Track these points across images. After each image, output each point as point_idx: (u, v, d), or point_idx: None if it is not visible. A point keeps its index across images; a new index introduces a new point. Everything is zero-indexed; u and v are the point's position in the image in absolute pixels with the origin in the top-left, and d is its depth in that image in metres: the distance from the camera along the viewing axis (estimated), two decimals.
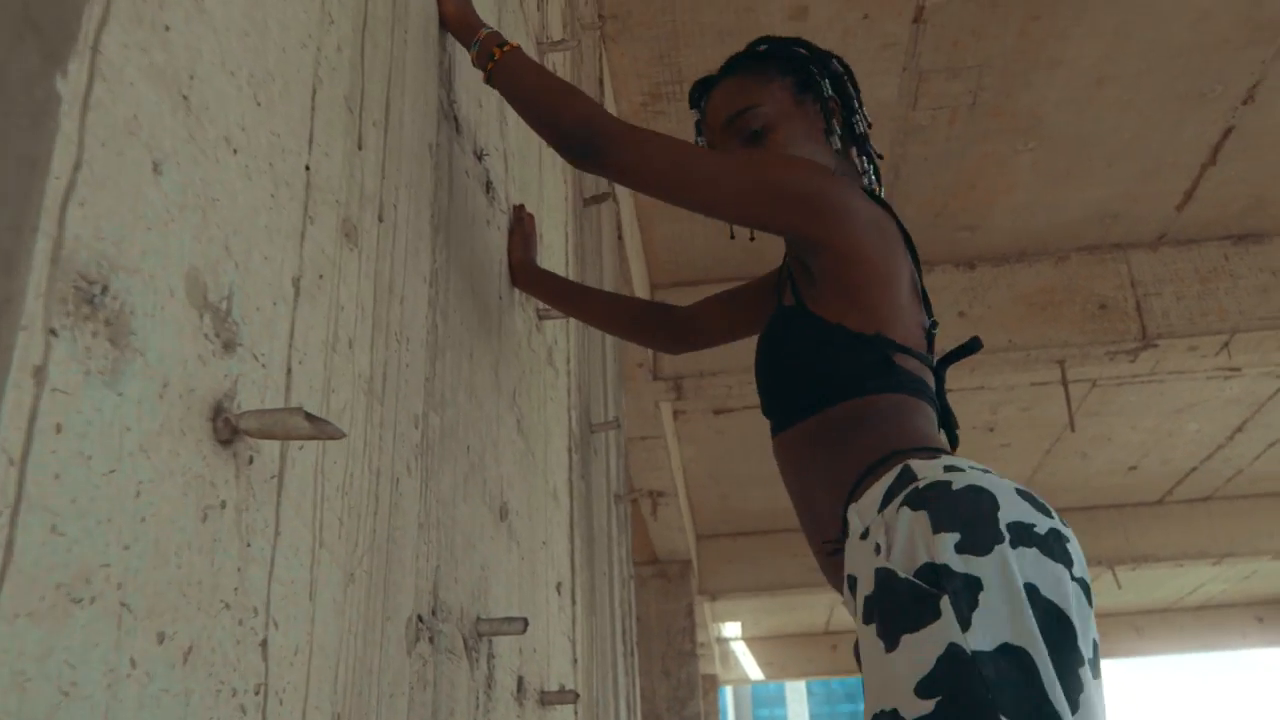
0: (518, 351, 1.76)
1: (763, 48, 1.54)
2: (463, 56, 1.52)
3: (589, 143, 1.28)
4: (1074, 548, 1.11)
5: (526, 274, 1.75)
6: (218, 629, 0.66)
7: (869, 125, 1.53)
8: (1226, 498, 8.44)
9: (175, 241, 0.66)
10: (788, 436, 1.36)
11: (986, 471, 1.14)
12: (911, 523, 1.08)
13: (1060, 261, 5.06)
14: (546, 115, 1.32)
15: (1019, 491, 1.12)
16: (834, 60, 1.54)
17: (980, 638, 1.00)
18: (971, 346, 1.41)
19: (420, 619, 1.11)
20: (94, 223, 0.57)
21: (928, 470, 1.14)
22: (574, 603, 2.14)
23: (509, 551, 1.56)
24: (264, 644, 0.73)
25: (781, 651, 13.19)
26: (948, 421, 1.39)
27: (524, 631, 1.36)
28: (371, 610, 0.95)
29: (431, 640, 1.14)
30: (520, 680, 1.57)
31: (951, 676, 0.99)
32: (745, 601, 9.64)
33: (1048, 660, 0.98)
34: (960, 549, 1.04)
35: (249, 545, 0.72)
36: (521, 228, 1.79)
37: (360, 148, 1.03)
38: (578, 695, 1.77)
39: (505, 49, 1.37)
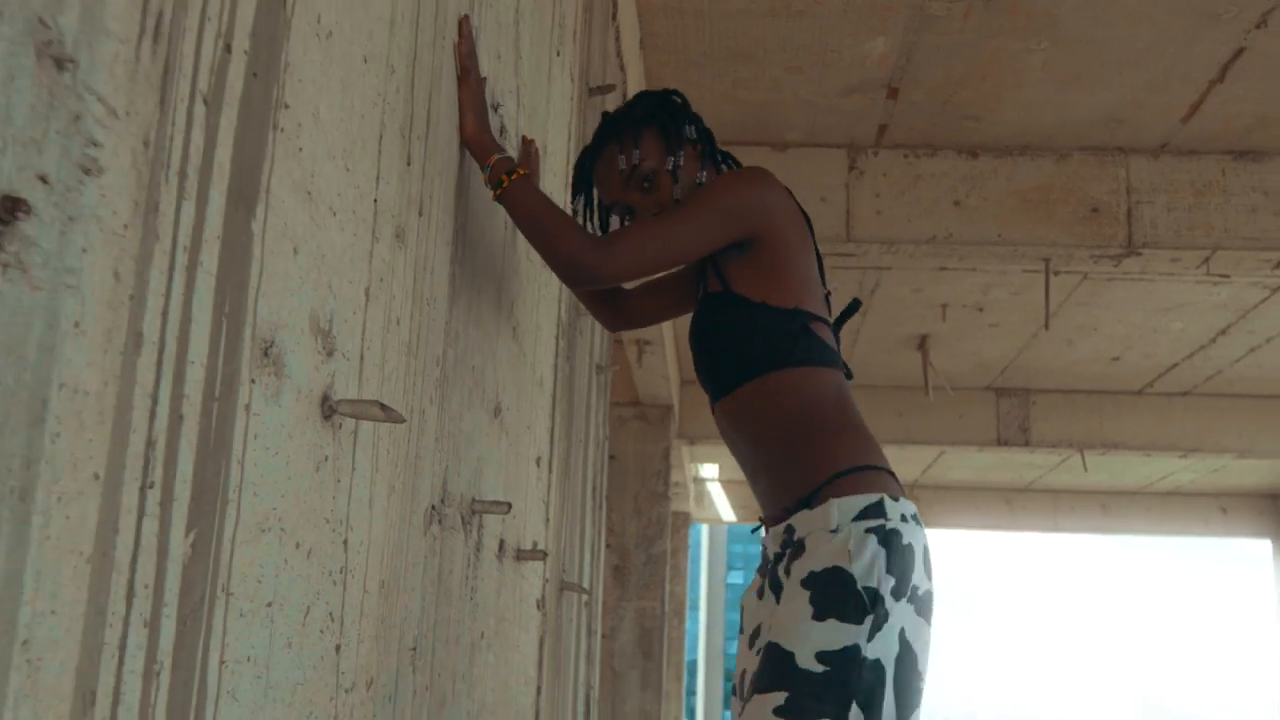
0: (517, 269, 2.17)
1: (636, 110, 1.92)
2: (495, 41, 1.87)
3: (580, 274, 1.66)
4: (931, 598, 1.61)
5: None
6: (323, 536, 1.12)
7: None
8: (1203, 395, 8.98)
9: (303, 297, 1.08)
10: (726, 404, 1.81)
11: (918, 524, 1.63)
12: (875, 554, 1.57)
13: (1062, 159, 5.38)
14: (544, 246, 1.68)
15: (924, 556, 1.62)
16: (677, 95, 1.94)
17: (872, 650, 1.52)
18: (852, 308, 1.85)
19: (433, 507, 1.57)
20: (268, 305, 0.99)
21: (894, 514, 1.62)
22: (550, 471, 2.63)
23: (499, 442, 2.02)
24: (345, 542, 1.18)
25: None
26: (846, 369, 1.85)
27: (508, 513, 1.83)
28: (404, 508, 1.41)
29: (440, 522, 1.61)
30: (501, 542, 2.06)
31: (844, 661, 1.52)
32: (724, 447, 10.29)
33: (892, 683, 1.50)
34: (892, 592, 1.54)
35: (339, 481, 1.17)
36: (529, 163, 2.17)
37: (409, 164, 1.43)
38: (546, 553, 2.27)
39: (514, 176, 1.69)
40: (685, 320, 8.30)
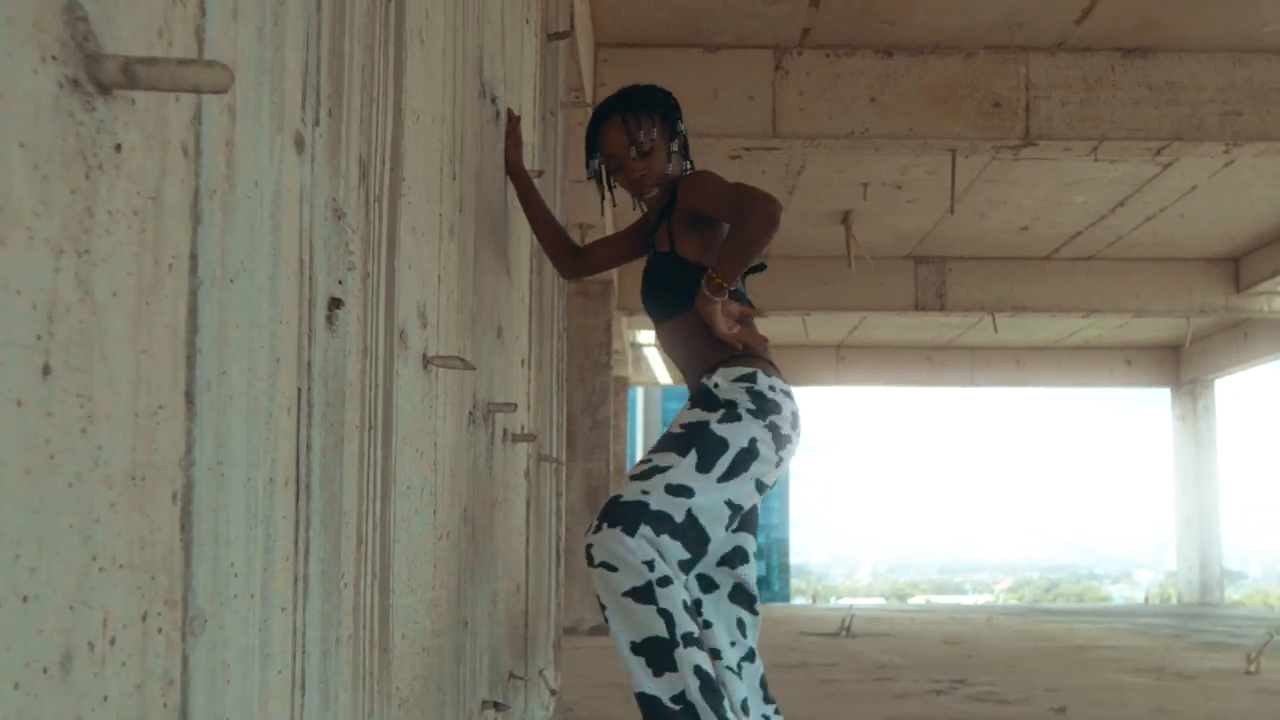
0: (508, 215, 2.82)
1: (646, 94, 2.59)
2: (491, 46, 2.48)
3: (774, 225, 2.36)
4: (788, 443, 2.35)
5: (514, 169, 2.80)
6: (426, 443, 1.81)
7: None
8: (1104, 259, 9.88)
9: (413, 296, 1.74)
10: (664, 326, 2.55)
11: (786, 394, 2.36)
12: (739, 391, 2.34)
13: (968, 57, 6.03)
14: (762, 240, 2.35)
15: (790, 416, 2.34)
16: (671, 95, 2.63)
17: (719, 429, 2.34)
18: (758, 268, 2.56)
19: (470, 413, 2.26)
20: (401, 308, 1.66)
21: (763, 382, 2.37)
22: (529, 368, 3.32)
23: (502, 355, 2.71)
24: (435, 445, 1.88)
25: None
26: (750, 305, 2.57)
27: (514, 411, 2.54)
28: (458, 417, 2.11)
29: (473, 422, 2.31)
30: (505, 430, 2.77)
31: (696, 427, 2.37)
32: None
33: (730, 459, 2.28)
34: (748, 411, 2.29)
35: (431, 408, 1.85)
36: (514, 132, 2.80)
37: (454, 178, 2.07)
38: (534, 436, 2.99)
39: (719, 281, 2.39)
40: (624, 208, 8.96)
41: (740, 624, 2.46)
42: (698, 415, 2.40)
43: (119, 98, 0.77)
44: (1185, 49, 5.92)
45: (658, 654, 2.26)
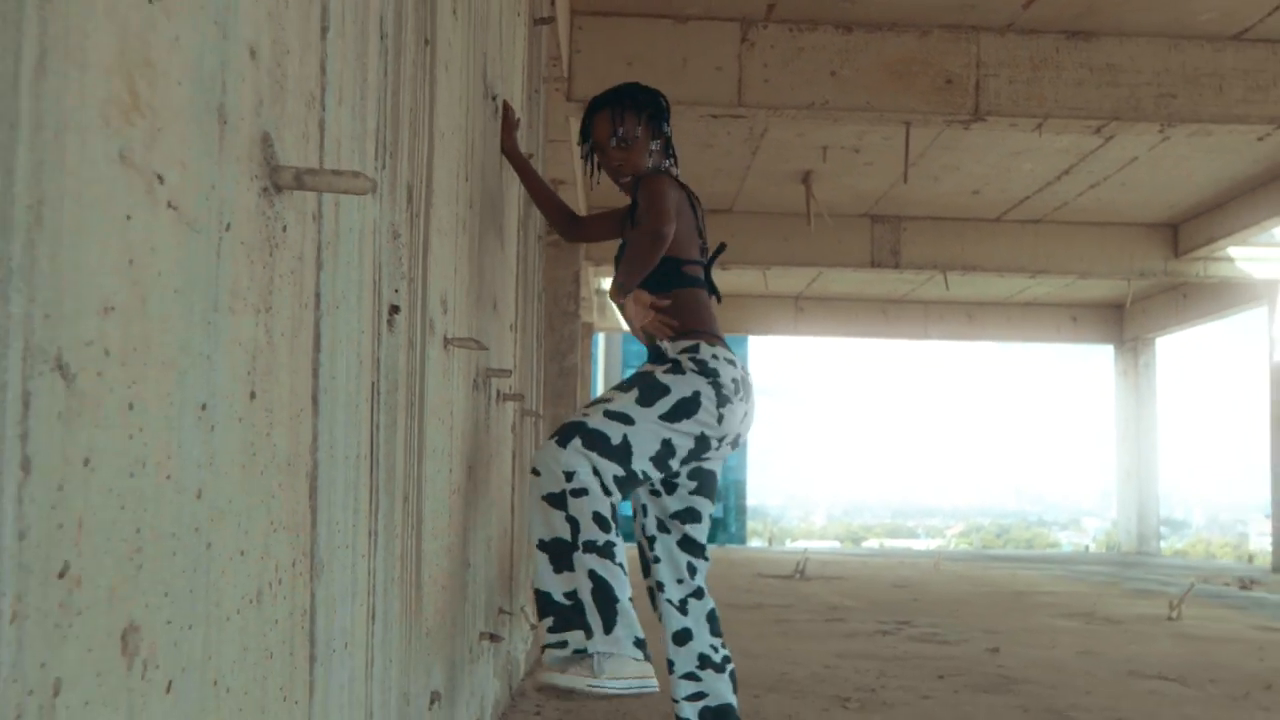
0: (502, 196, 3.11)
1: (638, 94, 2.86)
2: (492, 49, 2.75)
3: (660, 246, 2.62)
4: (729, 404, 2.66)
5: (511, 155, 3.08)
6: (444, 412, 2.13)
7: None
8: (1051, 223, 10.28)
9: (438, 287, 2.04)
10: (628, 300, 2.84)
11: (729, 361, 2.67)
12: (684, 355, 2.62)
13: (923, 35, 6.33)
14: (650, 262, 2.61)
15: (732, 379, 2.65)
16: (663, 98, 2.89)
17: (662, 377, 2.61)
18: (719, 250, 2.87)
19: (474, 381, 2.57)
20: (431, 298, 1.96)
21: (706, 351, 2.66)
22: (516, 331, 3.63)
23: (496, 323, 3.01)
24: (451, 413, 2.19)
25: None
26: (714, 289, 2.86)
27: (509, 375, 2.85)
28: (467, 384, 2.41)
29: (477, 387, 2.61)
30: (498, 392, 3.08)
31: (641, 375, 2.63)
32: None
33: (671, 404, 2.58)
34: (692, 369, 2.60)
35: (449, 380, 2.16)
36: (508, 118, 3.07)
37: (466, 179, 2.36)
38: (522, 396, 3.31)
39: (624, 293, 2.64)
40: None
41: (690, 567, 2.78)
42: (646, 368, 2.71)
43: (288, 194, 1.07)
44: (1125, 33, 6.25)
45: (559, 554, 2.55)
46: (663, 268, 2.77)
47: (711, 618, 2.77)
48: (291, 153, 1.10)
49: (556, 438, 2.57)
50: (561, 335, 9.69)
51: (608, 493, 2.55)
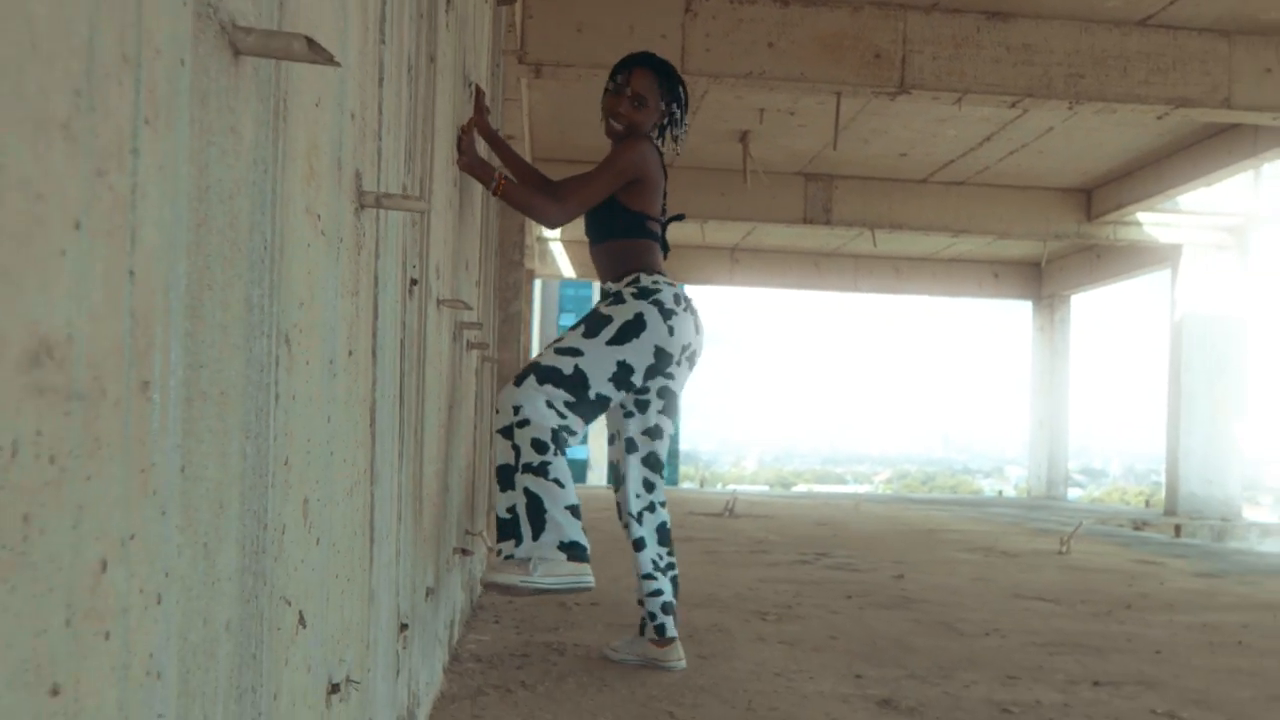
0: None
1: (675, 77, 3.28)
2: (469, 41, 3.17)
3: (549, 219, 3.04)
4: (672, 316, 3.12)
5: (488, 136, 3.51)
6: (445, 361, 2.58)
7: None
8: (974, 185, 10.87)
9: (435, 258, 2.49)
10: (594, 248, 3.29)
11: (667, 284, 3.13)
12: (625, 284, 3.09)
13: (855, 11, 6.79)
14: (527, 212, 3.03)
15: (670, 296, 3.12)
16: (682, 87, 3.32)
17: (607, 310, 3.09)
18: (677, 217, 3.34)
19: (453, 333, 3.02)
20: (430, 267, 2.41)
21: (646, 280, 3.13)
22: (480, 286, 4.07)
23: (468, 282, 3.45)
24: (441, 360, 2.64)
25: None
26: (665, 247, 3.33)
27: (479, 329, 3.30)
28: (449, 337, 2.86)
29: (454, 339, 3.06)
30: (468, 341, 3.53)
31: (592, 312, 3.09)
32: None
33: (615, 328, 3.06)
34: (631, 295, 3.07)
35: (441, 334, 2.61)
36: (479, 102, 3.50)
37: (455, 162, 2.80)
38: (487, 345, 3.76)
39: (500, 183, 3.00)
40: (542, 113, 9.62)
41: (648, 483, 3.29)
42: (597, 307, 3.16)
43: (368, 213, 1.52)
44: (1041, 16, 6.77)
45: (505, 477, 3.03)
46: (627, 220, 3.22)
47: (662, 529, 3.32)
48: (367, 179, 1.54)
49: (514, 380, 3.03)
50: (507, 283, 10.08)
51: (562, 417, 3.03)
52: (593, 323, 3.12)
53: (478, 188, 3.62)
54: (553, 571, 2.98)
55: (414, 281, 2.05)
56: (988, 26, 6.83)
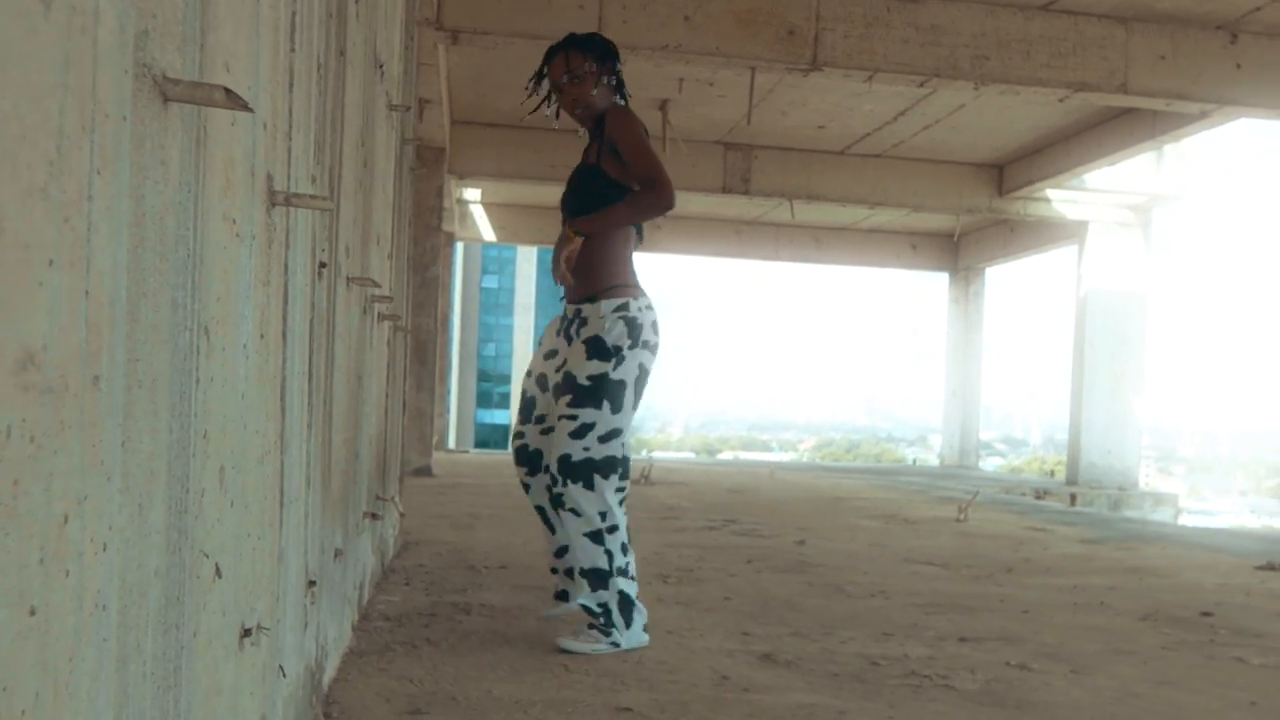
0: (389, 145, 3.72)
1: (584, 38, 3.42)
2: (378, 21, 3.34)
3: (663, 201, 3.19)
4: (656, 347, 3.36)
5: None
6: (358, 339, 2.79)
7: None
8: (889, 158, 11.23)
9: (347, 239, 2.68)
10: (585, 247, 3.43)
11: (650, 309, 3.34)
12: (621, 329, 3.28)
13: None
14: (645, 215, 3.22)
15: (652, 325, 3.33)
16: (610, 42, 3.47)
17: (616, 374, 3.26)
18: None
19: (363, 307, 3.21)
20: (341, 247, 2.60)
21: (634, 308, 3.31)
22: (391, 259, 4.26)
23: (378, 255, 3.64)
24: (349, 348, 2.85)
25: (514, 218, 15.67)
26: (640, 230, 3.50)
27: (390, 302, 3.50)
28: (358, 316, 3.06)
29: (365, 313, 3.26)
30: (379, 313, 3.72)
31: (600, 379, 3.27)
32: (491, 177, 11.87)
33: (631, 390, 3.27)
34: (628, 346, 3.26)
35: (350, 309, 2.81)
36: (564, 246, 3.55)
37: (363, 145, 2.98)
38: (399, 316, 3.96)
39: (586, 224, 3.24)
40: (461, 76, 9.71)
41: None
42: (596, 367, 3.22)
43: (279, 208, 1.73)
44: None
45: (598, 579, 3.20)
46: (617, 195, 3.31)
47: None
48: (278, 179, 1.74)
49: (580, 481, 3.16)
50: (425, 248, 10.21)
51: (620, 490, 3.24)
52: (613, 394, 3.21)
53: (387, 165, 3.80)
54: (630, 641, 3.26)
55: (323, 265, 2.25)
56: (898, 7, 7.11)
